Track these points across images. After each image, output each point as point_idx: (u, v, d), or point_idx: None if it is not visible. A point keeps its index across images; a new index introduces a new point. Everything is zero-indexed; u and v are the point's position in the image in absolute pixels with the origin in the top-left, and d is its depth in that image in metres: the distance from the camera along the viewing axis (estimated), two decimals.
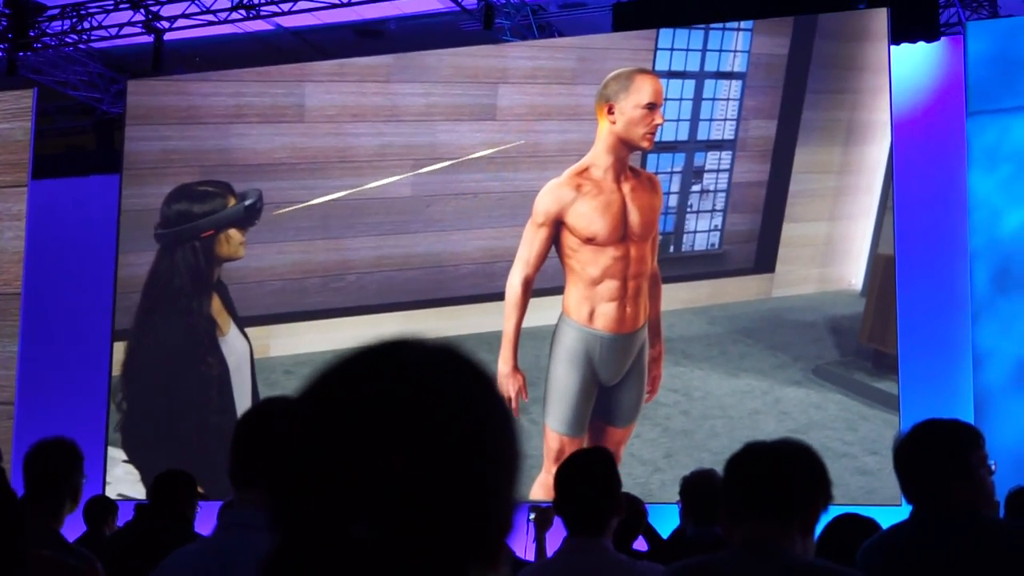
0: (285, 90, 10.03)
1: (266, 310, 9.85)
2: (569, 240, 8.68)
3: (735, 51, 8.91)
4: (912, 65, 8.89)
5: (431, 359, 0.98)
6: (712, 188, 8.88)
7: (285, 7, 10.06)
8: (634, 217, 8.63)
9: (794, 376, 8.42)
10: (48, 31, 10.70)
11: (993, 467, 3.13)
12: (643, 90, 8.74)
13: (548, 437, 8.73)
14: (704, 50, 8.97)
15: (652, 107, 8.69)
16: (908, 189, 8.53)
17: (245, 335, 9.94)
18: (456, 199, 9.46)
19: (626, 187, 8.68)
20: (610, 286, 8.62)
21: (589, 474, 3.24)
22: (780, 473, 2.39)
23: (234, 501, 2.30)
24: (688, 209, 8.90)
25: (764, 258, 8.80)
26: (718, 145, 8.90)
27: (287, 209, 9.87)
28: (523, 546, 5.93)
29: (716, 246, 8.88)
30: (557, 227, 8.70)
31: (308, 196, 9.78)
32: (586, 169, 8.79)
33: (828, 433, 8.22)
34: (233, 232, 10.02)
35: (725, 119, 8.91)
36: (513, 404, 8.69)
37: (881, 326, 8.36)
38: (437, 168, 9.45)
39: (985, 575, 2.89)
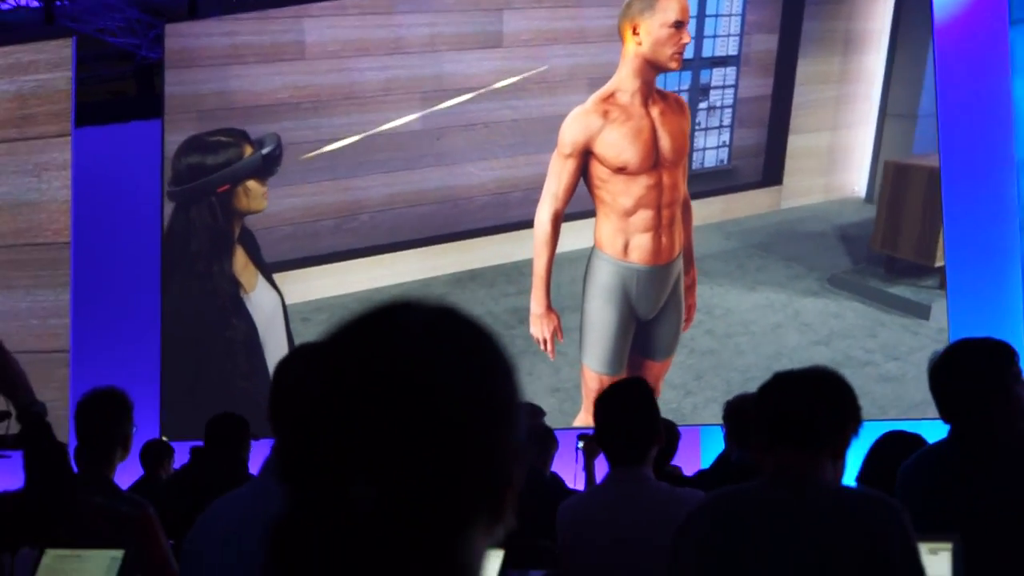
0: (284, 27, 9.47)
1: (278, 257, 9.33)
2: (598, 170, 8.09)
3: None
4: None
5: (430, 320, 0.97)
6: (719, 104, 8.54)
7: None
8: (665, 142, 8.08)
9: (811, 287, 8.16)
10: None
11: None
12: (669, 8, 8.12)
13: (587, 377, 8.24)
14: None
15: (679, 25, 8.10)
16: (952, 100, 8.11)
17: (275, 285, 9.34)
18: (466, 131, 8.96)
19: (655, 111, 8.11)
20: (644, 216, 8.06)
21: (628, 406, 3.25)
22: (808, 403, 2.35)
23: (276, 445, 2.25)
24: (696, 127, 8.51)
25: (772, 171, 8.53)
26: (723, 61, 8.55)
27: (311, 155, 9.28)
28: (572, 474, 5.72)
29: (725, 162, 8.58)
30: (585, 157, 8.11)
31: (313, 136, 9.25)
32: (612, 94, 8.17)
33: (849, 342, 7.97)
34: (252, 184, 9.33)
35: (728, 35, 8.50)
36: (548, 346, 8.28)
37: (892, 232, 8.16)
38: (452, 104, 8.96)
39: (1020, 488, 2.84)
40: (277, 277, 9.33)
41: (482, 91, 8.92)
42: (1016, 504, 2.84)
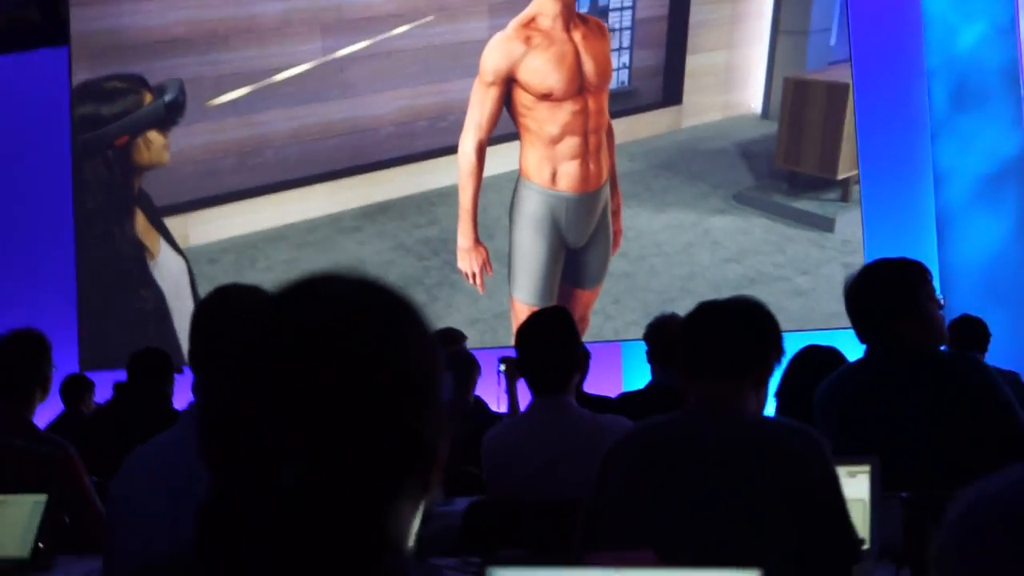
0: None
1: (180, 197, 8.74)
2: (523, 98, 7.75)
3: None
4: None
5: (349, 297, 0.95)
6: (618, 26, 8.33)
7: None
8: (589, 67, 7.78)
9: (717, 204, 8.05)
10: None
11: (942, 301, 3.10)
12: None
13: (517, 309, 7.91)
14: None
15: None
16: (863, 11, 8.01)
17: (179, 251, 8.68)
18: (369, 61, 8.56)
19: (577, 35, 7.79)
20: (571, 143, 7.76)
21: (548, 335, 3.25)
22: (731, 333, 2.35)
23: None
24: None
25: (671, 91, 8.37)
26: None
27: (221, 100, 8.65)
28: (496, 397, 5.58)
29: (626, 83, 8.37)
30: (508, 85, 7.75)
31: (212, 72, 8.72)
32: (533, 19, 7.80)
33: (760, 258, 7.89)
34: (153, 135, 8.53)
35: None
36: (478, 280, 7.98)
37: (795, 147, 8.08)
38: (357, 48, 8.53)
39: (938, 406, 2.85)
40: (180, 219, 8.79)
41: (396, 32, 8.52)
42: (928, 421, 2.86)
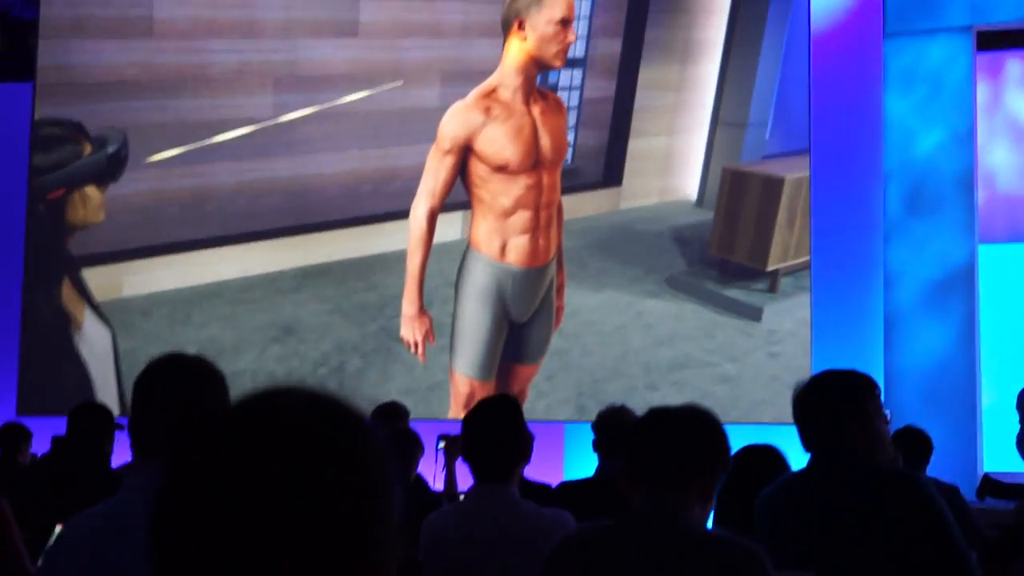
0: (132, 1, 8.53)
1: (118, 245, 8.35)
2: (478, 168, 7.59)
3: None
4: None
5: (303, 421, 0.94)
6: (566, 105, 8.36)
7: None
8: (545, 142, 7.66)
9: (650, 288, 8.04)
10: None
11: (888, 416, 3.12)
12: (556, 4, 7.65)
13: (457, 382, 7.73)
14: None
15: (565, 23, 7.65)
16: (825, 110, 8.05)
17: (105, 320, 8.10)
18: (319, 120, 8.43)
19: (535, 110, 7.67)
20: (522, 217, 7.62)
21: (495, 424, 3.20)
22: (679, 444, 2.33)
23: (134, 462, 2.20)
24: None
25: (612, 172, 8.40)
26: (570, 63, 8.32)
27: (160, 156, 8.31)
28: (433, 474, 5.44)
29: (569, 161, 8.35)
30: (464, 154, 7.58)
31: (159, 118, 8.47)
32: (494, 90, 7.67)
33: (690, 343, 7.88)
34: (91, 190, 7.76)
35: (577, 37, 8.34)
36: (419, 349, 7.74)
37: (728, 237, 8.11)
38: (311, 111, 8.37)
39: (878, 524, 2.85)
40: (115, 267, 8.39)
41: (364, 94, 8.39)
42: (867, 537, 2.84)
